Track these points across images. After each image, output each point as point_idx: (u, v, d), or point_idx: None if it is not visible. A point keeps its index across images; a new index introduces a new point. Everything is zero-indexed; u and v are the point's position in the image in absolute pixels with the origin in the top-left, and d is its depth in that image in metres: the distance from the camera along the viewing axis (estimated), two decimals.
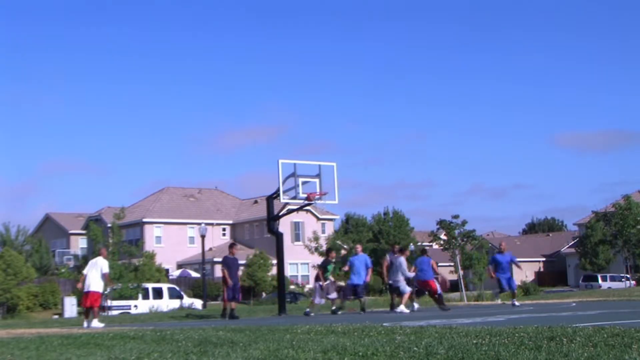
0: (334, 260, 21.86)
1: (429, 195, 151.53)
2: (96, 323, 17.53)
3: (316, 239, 53.16)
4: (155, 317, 26.31)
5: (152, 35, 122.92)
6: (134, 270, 40.13)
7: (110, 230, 42.18)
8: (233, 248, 21.27)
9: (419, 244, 73.79)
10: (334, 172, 21.97)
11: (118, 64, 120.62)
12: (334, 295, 20.95)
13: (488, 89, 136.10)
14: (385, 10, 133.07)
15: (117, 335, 11.19)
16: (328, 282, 20.89)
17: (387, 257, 22.02)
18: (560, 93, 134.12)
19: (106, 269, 17.91)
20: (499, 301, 24.93)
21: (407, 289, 20.85)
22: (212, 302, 46.96)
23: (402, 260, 21.00)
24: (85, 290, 17.83)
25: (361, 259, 21.12)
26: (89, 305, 17.82)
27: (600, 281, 60.60)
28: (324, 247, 53.61)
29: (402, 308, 20.14)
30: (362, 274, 20.64)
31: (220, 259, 61.93)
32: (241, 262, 59.18)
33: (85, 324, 17.45)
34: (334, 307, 20.84)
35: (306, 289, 57.05)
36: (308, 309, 20.80)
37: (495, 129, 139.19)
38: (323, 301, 21.08)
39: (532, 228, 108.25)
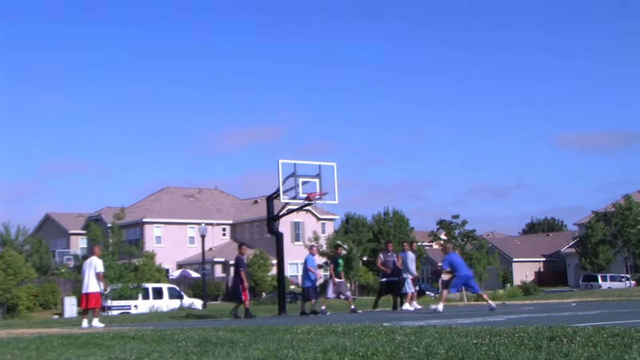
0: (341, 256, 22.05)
1: (429, 196, 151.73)
2: (96, 323, 17.48)
3: (316, 239, 53.15)
4: (155, 317, 26.31)
5: (153, 35, 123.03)
6: (134, 270, 40.13)
7: (110, 230, 42.15)
8: (242, 248, 21.21)
9: (419, 244, 73.81)
10: (334, 172, 21.98)
11: (118, 64, 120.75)
12: (348, 294, 21.06)
13: (489, 88, 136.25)
14: (385, 10, 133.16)
15: (117, 335, 11.19)
16: (342, 279, 20.94)
17: (381, 255, 22.11)
18: (561, 93, 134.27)
19: (100, 268, 17.75)
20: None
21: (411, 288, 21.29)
22: (212, 302, 46.94)
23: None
24: (84, 291, 17.73)
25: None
26: (90, 306, 17.72)
27: (600, 281, 60.57)
28: (324, 247, 53.70)
29: (407, 306, 20.50)
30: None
31: (221, 259, 62.64)
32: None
33: (84, 324, 17.41)
34: (352, 307, 20.77)
35: None
36: (323, 307, 20.68)
37: (496, 129, 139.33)
38: (334, 296, 20.89)
39: (532, 228, 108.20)
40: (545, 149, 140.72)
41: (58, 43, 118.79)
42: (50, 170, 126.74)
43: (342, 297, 21.03)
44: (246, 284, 20.25)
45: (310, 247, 24.51)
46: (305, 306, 20.96)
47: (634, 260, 64.07)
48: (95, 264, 17.73)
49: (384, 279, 21.75)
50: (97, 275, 17.67)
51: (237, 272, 20.45)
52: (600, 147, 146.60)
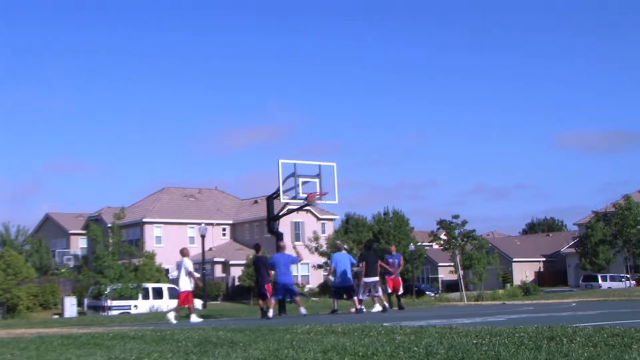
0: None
1: (430, 196, 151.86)
2: (195, 319, 18.50)
3: (316, 239, 53.15)
4: (155, 317, 26.31)
5: (153, 35, 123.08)
6: (134, 270, 40.10)
7: (110, 230, 42.13)
8: (262, 249, 20.99)
9: (419, 244, 73.80)
10: (334, 172, 21.95)
11: (119, 64, 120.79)
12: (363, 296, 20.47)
13: (489, 89, 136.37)
14: (386, 10, 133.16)
15: (117, 335, 11.19)
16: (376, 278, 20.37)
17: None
18: (562, 93, 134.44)
19: (190, 268, 18.75)
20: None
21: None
22: (212, 302, 46.93)
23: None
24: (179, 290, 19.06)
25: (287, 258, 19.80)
26: (180, 304, 19.04)
27: (600, 281, 60.60)
28: (324, 247, 53.69)
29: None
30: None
31: (221, 259, 62.57)
32: (241, 262, 59.26)
33: (193, 320, 18.59)
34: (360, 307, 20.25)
35: (306, 289, 57.01)
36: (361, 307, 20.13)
37: (496, 129, 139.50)
38: (366, 297, 20.46)
39: (532, 228, 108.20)
40: (546, 149, 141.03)
41: (58, 44, 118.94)
42: (50, 170, 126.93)
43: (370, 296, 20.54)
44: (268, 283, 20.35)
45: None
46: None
47: (634, 260, 64.10)
48: (186, 265, 18.75)
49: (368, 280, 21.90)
50: (189, 274, 18.71)
51: (265, 272, 20.09)
52: (600, 147, 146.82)
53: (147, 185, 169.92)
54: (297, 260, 19.58)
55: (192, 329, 12.12)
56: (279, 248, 19.58)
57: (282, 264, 18.93)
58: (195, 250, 63.11)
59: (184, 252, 19.27)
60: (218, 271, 62.59)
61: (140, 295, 37.66)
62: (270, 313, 18.43)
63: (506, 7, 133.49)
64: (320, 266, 54.31)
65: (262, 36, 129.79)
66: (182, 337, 10.15)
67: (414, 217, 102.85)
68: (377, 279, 20.28)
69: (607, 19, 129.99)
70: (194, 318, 18.77)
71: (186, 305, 19.03)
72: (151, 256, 46.36)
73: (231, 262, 61.43)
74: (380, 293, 20.47)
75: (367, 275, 20.12)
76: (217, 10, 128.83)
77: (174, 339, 9.85)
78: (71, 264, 65.72)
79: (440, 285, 77.68)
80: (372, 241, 21.79)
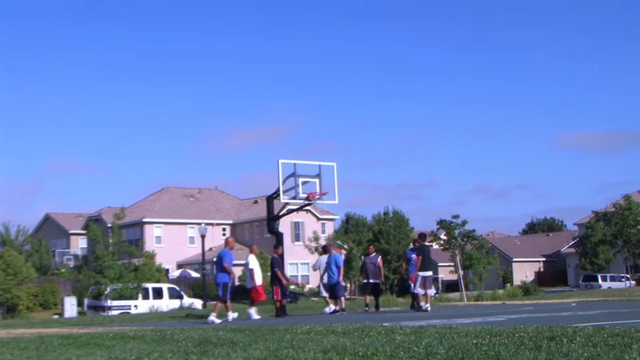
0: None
1: (430, 196, 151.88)
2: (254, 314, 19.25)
3: (316, 239, 53.17)
4: (155, 317, 26.30)
5: (154, 35, 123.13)
6: (134, 270, 40.05)
7: (110, 230, 42.10)
8: (279, 248, 20.88)
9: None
10: (334, 172, 21.97)
11: (119, 64, 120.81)
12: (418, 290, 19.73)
13: (489, 89, 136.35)
14: (386, 11, 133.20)
15: (117, 335, 11.19)
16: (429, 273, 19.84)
17: (363, 258, 22.40)
18: (562, 93, 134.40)
19: (251, 265, 19.15)
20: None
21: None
22: (212, 302, 46.79)
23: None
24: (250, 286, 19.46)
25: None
26: (255, 299, 19.59)
27: (600, 281, 60.58)
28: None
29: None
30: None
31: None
32: (241, 262, 59.21)
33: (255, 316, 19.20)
34: (422, 303, 19.65)
35: (306, 289, 56.98)
36: (422, 303, 19.65)
37: (496, 129, 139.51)
38: (422, 291, 19.75)
39: (532, 228, 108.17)
40: (546, 149, 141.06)
41: (58, 44, 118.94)
42: (50, 171, 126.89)
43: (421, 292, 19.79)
44: (284, 282, 20.26)
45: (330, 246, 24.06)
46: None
47: (634, 260, 64.08)
48: (248, 261, 19.29)
49: (365, 281, 21.71)
50: (250, 272, 19.14)
51: (274, 273, 20.17)
52: (600, 147, 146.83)
53: (147, 185, 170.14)
54: (229, 255, 17.91)
55: (192, 329, 12.12)
56: (226, 243, 18.65)
57: (218, 262, 17.79)
58: (195, 250, 63.22)
59: (251, 249, 19.67)
60: None
61: (140, 295, 37.62)
62: (229, 315, 17.72)
63: (506, 7, 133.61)
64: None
65: (262, 36, 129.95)
66: (182, 337, 10.15)
67: (414, 217, 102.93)
68: (430, 273, 19.67)
69: (607, 19, 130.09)
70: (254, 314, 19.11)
71: (258, 300, 19.29)
72: (151, 256, 46.34)
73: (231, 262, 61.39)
74: (431, 291, 19.88)
75: (424, 269, 19.38)
76: (217, 10, 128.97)
77: (174, 339, 9.85)
78: (71, 264, 65.71)
79: (440, 285, 77.64)
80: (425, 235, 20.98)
